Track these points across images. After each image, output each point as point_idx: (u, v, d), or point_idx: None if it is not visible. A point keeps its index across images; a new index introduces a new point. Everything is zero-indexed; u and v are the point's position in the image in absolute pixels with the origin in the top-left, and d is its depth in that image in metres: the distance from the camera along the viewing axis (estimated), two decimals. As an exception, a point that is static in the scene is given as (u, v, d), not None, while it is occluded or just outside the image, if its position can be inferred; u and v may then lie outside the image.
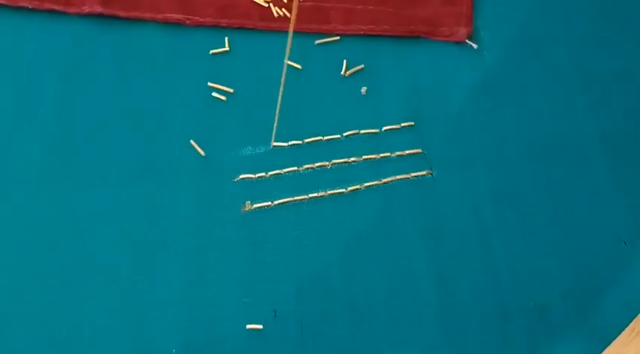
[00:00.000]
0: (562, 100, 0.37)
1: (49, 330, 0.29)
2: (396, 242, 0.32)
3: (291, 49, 0.37)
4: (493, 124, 0.35)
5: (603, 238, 0.33)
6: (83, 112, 0.35)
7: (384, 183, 0.34)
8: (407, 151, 0.34)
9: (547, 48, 0.38)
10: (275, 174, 0.34)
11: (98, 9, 0.37)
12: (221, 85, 0.36)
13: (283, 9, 0.38)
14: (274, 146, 0.34)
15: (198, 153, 0.34)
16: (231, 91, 0.36)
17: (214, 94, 0.36)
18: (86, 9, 0.37)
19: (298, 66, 0.37)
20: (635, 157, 0.35)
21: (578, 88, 0.37)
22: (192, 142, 0.34)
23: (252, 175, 0.34)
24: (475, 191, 0.33)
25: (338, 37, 0.38)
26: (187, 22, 0.38)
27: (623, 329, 0.30)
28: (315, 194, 0.33)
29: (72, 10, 0.38)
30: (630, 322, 0.29)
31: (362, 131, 0.35)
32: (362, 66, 0.37)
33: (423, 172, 0.34)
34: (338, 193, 0.33)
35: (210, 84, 0.36)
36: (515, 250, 0.32)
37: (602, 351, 0.29)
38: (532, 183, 0.34)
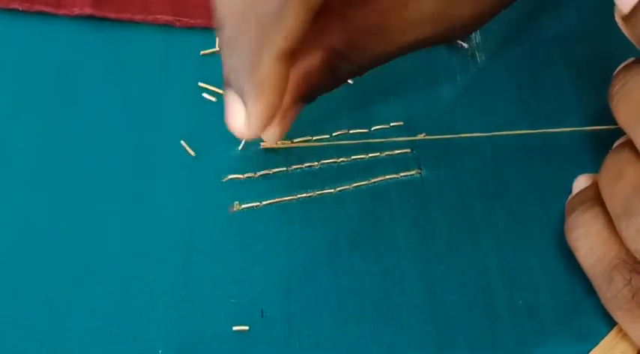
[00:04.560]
0: (553, 100, 0.36)
1: (39, 329, 0.29)
2: (385, 242, 0.32)
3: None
4: (483, 123, 0.35)
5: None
6: (74, 113, 0.35)
7: (373, 183, 0.33)
8: (396, 151, 0.34)
9: (539, 47, 0.38)
10: (263, 174, 0.34)
11: (88, 10, 0.38)
12: (211, 85, 0.36)
13: None
14: (263, 147, 0.34)
15: (188, 153, 0.34)
16: (221, 92, 0.36)
17: (205, 94, 0.36)
18: (76, 10, 0.38)
19: None
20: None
21: (571, 88, 0.37)
22: (182, 142, 0.34)
23: (241, 176, 0.34)
24: (464, 191, 0.33)
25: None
26: (178, 23, 0.38)
27: (612, 329, 0.29)
28: (304, 194, 0.33)
29: (62, 11, 0.38)
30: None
31: (351, 131, 0.35)
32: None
33: (412, 172, 0.34)
34: (326, 193, 0.33)
35: (200, 84, 0.36)
36: (505, 249, 0.32)
37: (590, 351, 0.29)
38: (522, 182, 0.34)
